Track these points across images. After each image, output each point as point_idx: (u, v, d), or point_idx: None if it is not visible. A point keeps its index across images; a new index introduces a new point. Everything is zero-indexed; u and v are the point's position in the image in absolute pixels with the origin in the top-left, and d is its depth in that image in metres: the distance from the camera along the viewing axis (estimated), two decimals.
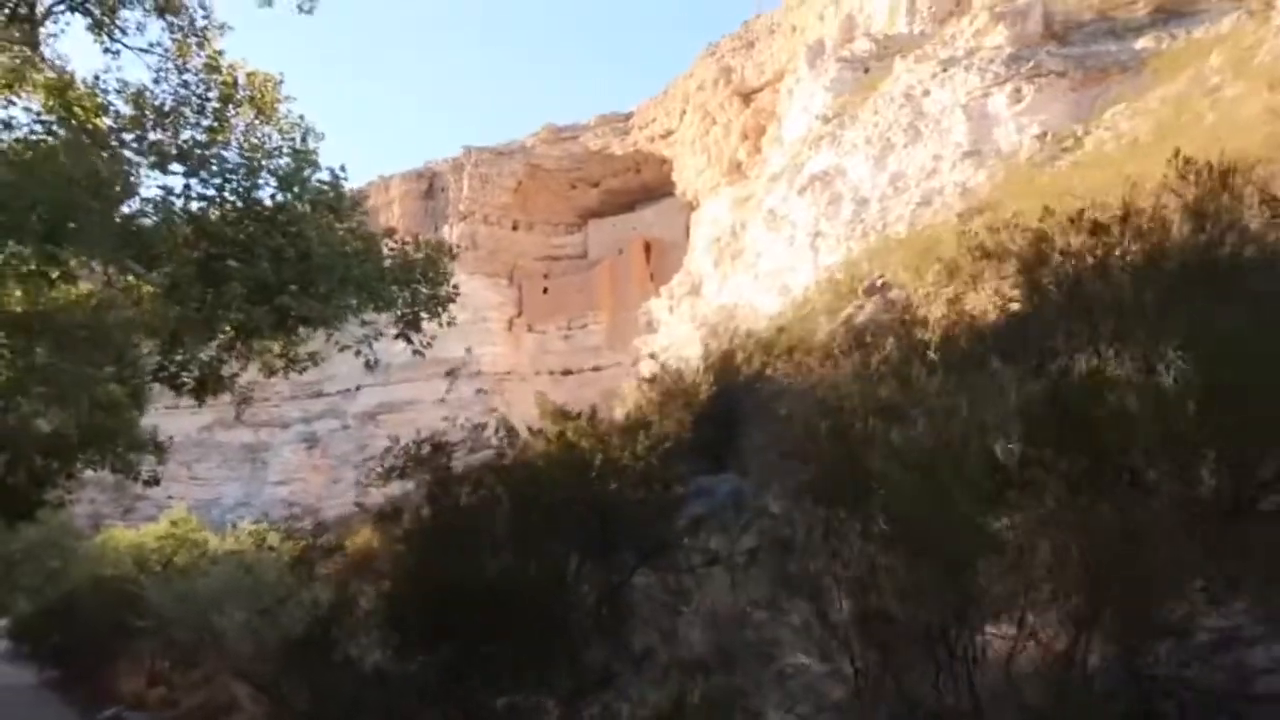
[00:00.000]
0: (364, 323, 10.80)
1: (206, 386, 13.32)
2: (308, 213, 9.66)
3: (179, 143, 10.66)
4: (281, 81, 11.26)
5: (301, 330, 10.73)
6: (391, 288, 10.49)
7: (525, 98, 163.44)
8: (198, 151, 10.48)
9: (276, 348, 13.74)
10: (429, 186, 56.05)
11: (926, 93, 25.78)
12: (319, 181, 10.00)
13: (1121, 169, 12.77)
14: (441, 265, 11.13)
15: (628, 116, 52.21)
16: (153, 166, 10.53)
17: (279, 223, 9.48)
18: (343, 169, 10.11)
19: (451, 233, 53.58)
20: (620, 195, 53.96)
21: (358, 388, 51.94)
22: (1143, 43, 23.80)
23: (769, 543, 6.43)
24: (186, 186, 9.73)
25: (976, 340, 8.21)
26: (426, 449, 7.23)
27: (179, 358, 12.64)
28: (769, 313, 27.45)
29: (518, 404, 51.44)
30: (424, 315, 11.09)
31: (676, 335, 36.22)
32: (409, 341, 11.27)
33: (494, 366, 52.17)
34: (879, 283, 14.77)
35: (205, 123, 10.76)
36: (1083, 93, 23.51)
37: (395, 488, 8.98)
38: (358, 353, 11.00)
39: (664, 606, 6.30)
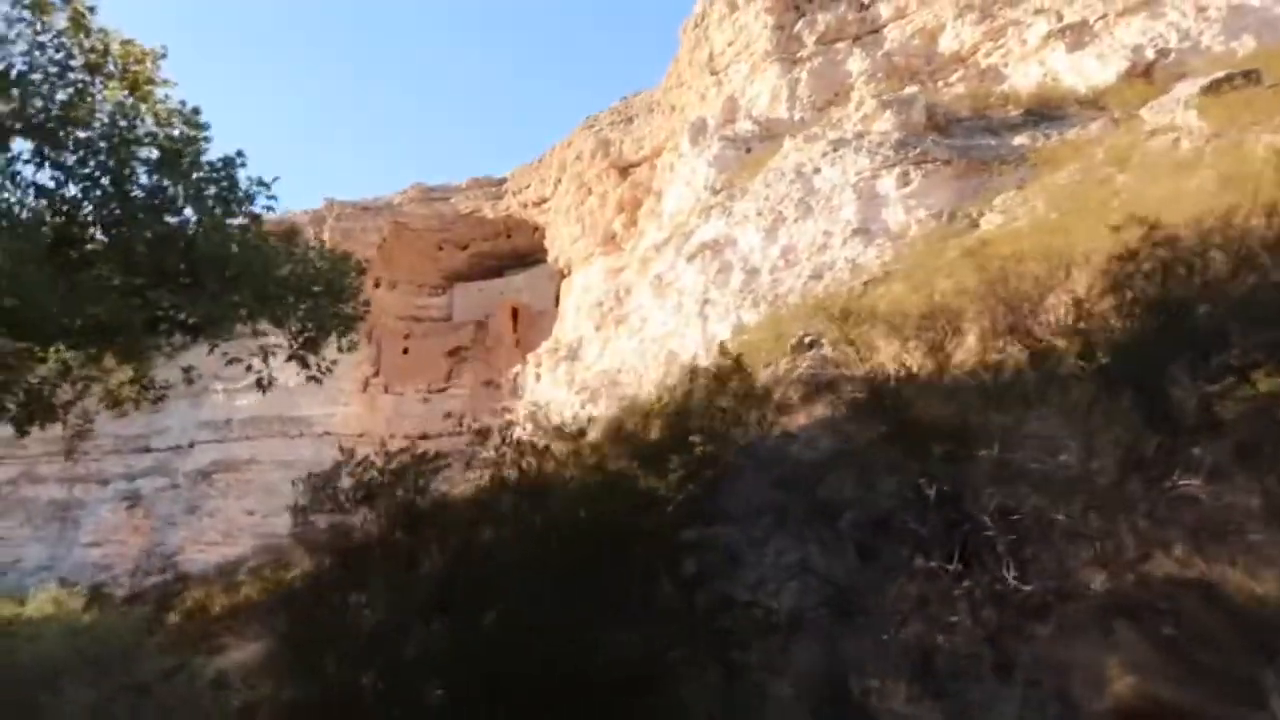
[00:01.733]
0: (256, 333, 8.92)
1: (33, 415, 10.95)
2: (192, 197, 7.85)
3: (26, 114, 8.62)
4: (163, 56, 9.38)
5: (177, 337, 8.75)
6: (289, 297, 8.69)
7: (394, 156, 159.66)
8: (49, 125, 8.48)
9: (125, 373, 11.53)
10: (286, 236, 52.80)
11: (817, 170, 25.78)
12: (207, 164, 8.21)
13: (1041, 240, 12.51)
14: (349, 278, 9.41)
15: (501, 181, 51.09)
16: None
17: (156, 207, 7.63)
18: (240, 154, 8.35)
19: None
20: (489, 259, 52.44)
21: (191, 444, 47.55)
22: (1019, 139, 24.58)
23: (820, 602, 5.13)
24: (37, 153, 7.73)
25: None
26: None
27: None
28: (653, 378, 26.42)
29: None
30: (324, 334, 9.31)
31: (550, 400, 34.63)
32: (304, 365, 9.44)
33: (345, 427, 48.79)
34: (807, 340, 13.93)
35: (62, 95, 8.76)
36: (966, 180, 23.95)
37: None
38: (248, 367, 9.07)
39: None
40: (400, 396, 50.38)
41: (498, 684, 5.00)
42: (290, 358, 9.44)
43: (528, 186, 49.85)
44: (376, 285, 52.09)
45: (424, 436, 50.15)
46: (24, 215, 7.35)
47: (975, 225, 20.19)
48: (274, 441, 47.23)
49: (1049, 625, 4.26)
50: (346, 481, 10.60)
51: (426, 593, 6.09)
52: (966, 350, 7.93)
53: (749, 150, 31.98)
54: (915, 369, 8.06)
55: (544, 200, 48.89)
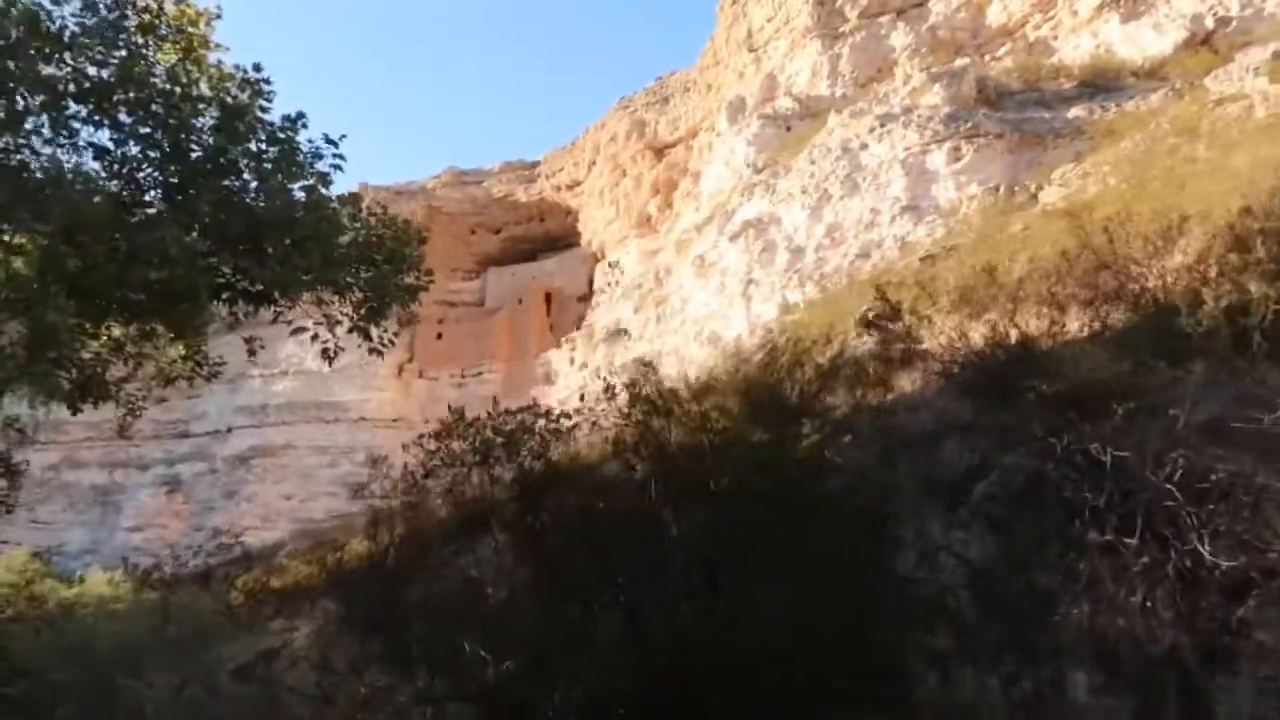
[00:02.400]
0: (321, 301, 8.52)
1: (86, 393, 10.64)
2: (253, 160, 7.43)
3: (80, 78, 8.25)
4: (218, 17, 8.96)
5: (239, 305, 8.37)
6: (353, 265, 8.27)
7: (428, 140, 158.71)
8: (103, 88, 8.08)
9: (177, 349, 11.20)
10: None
11: (864, 146, 25.09)
12: (269, 125, 7.79)
13: (1134, 206, 11.88)
14: (411, 247, 8.98)
15: (534, 164, 50.63)
16: (44, 107, 8.09)
17: (218, 169, 7.23)
18: (301, 116, 7.91)
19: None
20: (522, 243, 52.05)
21: (229, 429, 47.64)
22: (1074, 112, 23.74)
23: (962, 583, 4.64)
24: (95, 112, 7.34)
25: None
26: None
27: (52, 355, 9.99)
28: (696, 359, 25.92)
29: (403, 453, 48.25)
30: (387, 304, 8.90)
31: (594, 387, 34.24)
32: (367, 337, 9.04)
33: (380, 413, 48.76)
34: (872, 315, 13.39)
35: (116, 57, 8.35)
36: (1019, 155, 23.19)
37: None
38: (314, 337, 8.67)
39: None
40: (434, 381, 50.21)
41: (693, 681, 4.43)
42: (352, 329, 9.06)
43: (561, 169, 49.37)
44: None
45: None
46: (81, 176, 6.97)
47: (1034, 199, 19.49)
48: (310, 427, 47.25)
49: (1252, 606, 3.75)
50: (402, 463, 10.19)
51: (597, 571, 5.55)
52: (1075, 316, 7.39)
53: (789, 128, 31.27)
54: (1017, 337, 7.51)
55: (577, 183, 48.40)
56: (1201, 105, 20.18)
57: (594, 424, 8.92)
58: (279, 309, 8.54)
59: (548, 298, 50.36)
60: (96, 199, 6.92)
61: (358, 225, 8.37)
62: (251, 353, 9.83)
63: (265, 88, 7.55)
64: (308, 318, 9.05)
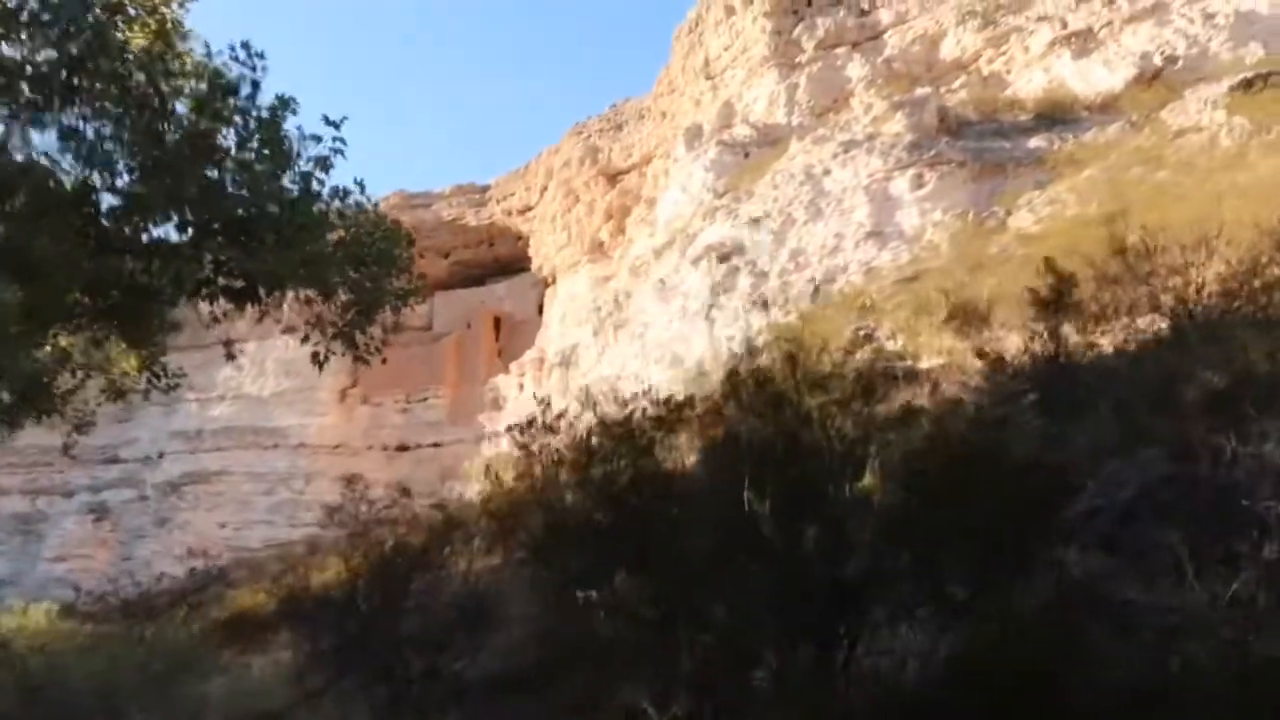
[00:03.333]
0: (310, 301, 7.78)
1: (30, 403, 9.74)
2: (240, 146, 6.72)
3: (36, 61, 7.48)
4: None
5: (219, 303, 7.58)
6: (343, 264, 7.57)
7: (376, 162, 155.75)
8: (69, 66, 7.33)
9: (130, 361, 10.33)
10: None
11: (827, 172, 25.06)
12: (254, 109, 7.08)
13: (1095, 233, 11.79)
14: (402, 249, 8.31)
15: (485, 188, 49.94)
16: (2, 90, 7.31)
17: (199, 151, 6.50)
18: (290, 100, 7.21)
19: (284, 295, 48.84)
20: (471, 268, 51.17)
21: (161, 454, 45.63)
22: (1034, 142, 24.04)
23: None
24: (57, 95, 6.57)
25: None
26: None
27: None
28: (658, 383, 25.42)
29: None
30: (376, 308, 8.21)
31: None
32: (352, 345, 8.32)
33: (321, 439, 47.18)
34: (863, 333, 13.08)
35: (81, 36, 7.59)
36: (981, 183, 23.34)
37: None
38: (305, 339, 7.92)
39: None
40: (378, 407, 48.81)
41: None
42: (336, 335, 8.35)
43: (512, 194, 48.74)
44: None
45: (403, 447, 48.73)
46: (44, 159, 6.21)
47: (1003, 225, 19.54)
48: (247, 453, 45.51)
49: None
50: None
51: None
52: (1119, 325, 7.08)
53: (747, 155, 31.20)
54: (1054, 349, 7.17)
55: (529, 208, 47.80)
56: (1162, 137, 20.50)
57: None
58: (264, 307, 7.80)
59: (497, 323, 49.50)
60: (62, 181, 6.15)
61: (346, 221, 7.69)
62: (230, 356, 9.04)
63: (257, 63, 6.85)
64: (293, 319, 8.31)
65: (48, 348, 9.74)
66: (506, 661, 6.49)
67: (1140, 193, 16.37)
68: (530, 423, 8.43)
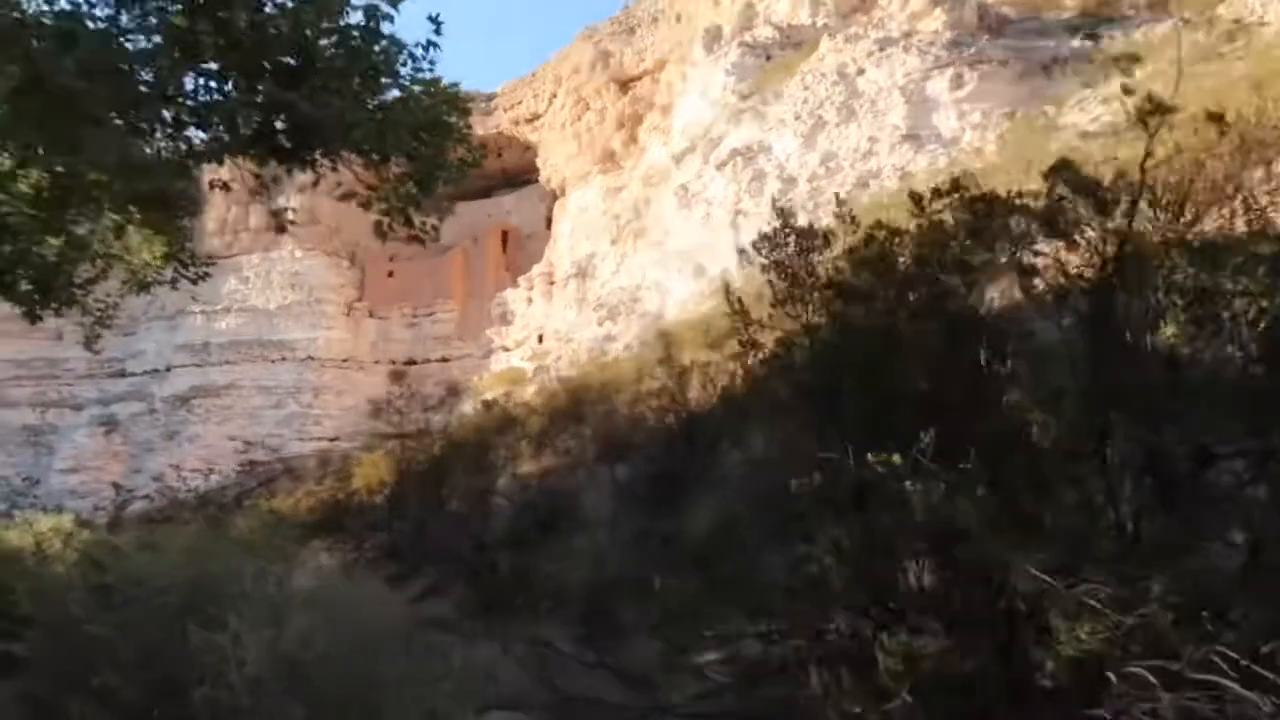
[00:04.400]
0: (374, 164, 6.90)
1: (49, 295, 8.95)
2: None
3: None
4: None
5: (270, 166, 6.72)
6: (400, 131, 6.68)
7: None
8: None
9: (156, 248, 9.48)
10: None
11: (861, 71, 23.80)
12: None
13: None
14: (459, 117, 7.40)
15: (491, 96, 48.16)
16: None
17: None
18: None
19: (288, 204, 47.53)
20: (477, 179, 49.50)
21: (169, 368, 44.95)
22: (1078, 41, 22.77)
23: None
24: None
25: None
26: None
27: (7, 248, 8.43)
28: (681, 294, 24.65)
29: (353, 393, 46.11)
30: (435, 180, 7.35)
31: (560, 322, 32.76)
32: (408, 222, 7.47)
33: (329, 352, 46.46)
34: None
35: None
36: (1023, 84, 22.18)
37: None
38: (367, 205, 7.07)
39: None
40: (385, 321, 48.04)
41: None
42: (388, 211, 7.49)
43: (519, 102, 47.05)
44: (361, 205, 49.32)
45: (410, 362, 48.10)
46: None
47: (1054, 125, 18.47)
48: (254, 366, 44.85)
49: None
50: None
51: None
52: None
53: (769, 58, 29.75)
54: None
55: (537, 117, 46.20)
56: (1223, 32, 19.31)
57: None
58: (320, 168, 6.93)
59: (504, 236, 48.43)
60: (85, 26, 5.23)
61: (400, 81, 6.76)
62: (281, 229, 8.22)
63: None
64: (352, 184, 7.44)
65: (63, 235, 8.89)
66: (598, 567, 5.86)
67: (1213, 86, 15.30)
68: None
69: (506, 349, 44.18)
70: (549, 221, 46.87)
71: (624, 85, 41.24)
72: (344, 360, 46.69)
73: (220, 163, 6.26)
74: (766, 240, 6.58)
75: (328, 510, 8.72)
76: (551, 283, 42.49)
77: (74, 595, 3.76)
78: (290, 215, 8.36)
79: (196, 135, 6.27)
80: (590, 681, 4.44)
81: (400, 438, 9.23)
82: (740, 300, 6.74)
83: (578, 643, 4.86)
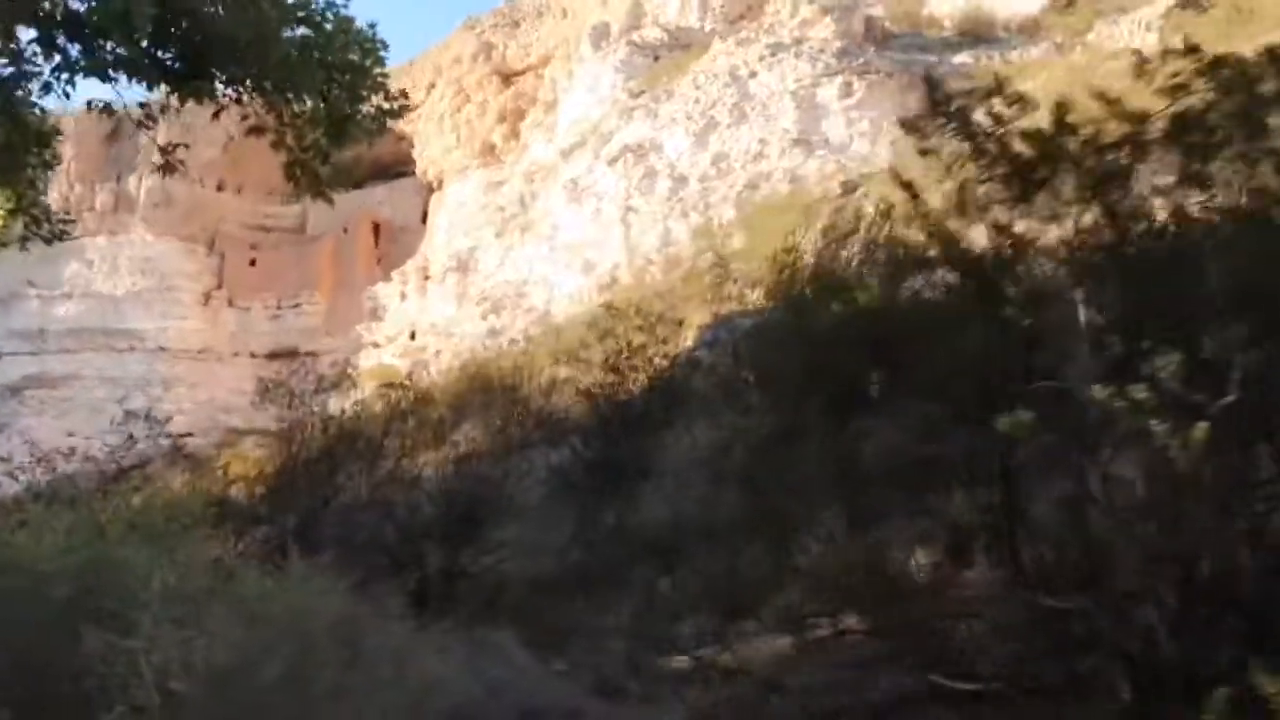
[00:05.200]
0: (281, 103, 5.99)
1: None
2: None
3: None
4: None
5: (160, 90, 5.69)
6: (312, 67, 5.81)
7: None
8: None
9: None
10: (114, 129, 45.93)
11: (753, 74, 23.81)
12: None
13: None
14: (375, 63, 6.58)
15: None
16: None
17: None
18: None
19: (140, 186, 44.22)
20: (347, 168, 47.53)
21: None
22: (959, 58, 23.46)
23: None
24: None
25: None
26: None
27: None
28: (569, 289, 24.02)
29: (208, 386, 43.23)
30: (347, 129, 6.49)
31: (434, 317, 31.51)
32: (316, 182, 6.57)
33: (184, 343, 43.39)
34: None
35: None
36: (908, 94, 22.61)
37: None
38: (277, 144, 6.14)
39: None
40: (246, 312, 45.24)
41: None
42: (295, 162, 6.56)
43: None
44: (220, 189, 46.47)
45: (273, 355, 45.32)
46: None
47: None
48: (99, 355, 41.42)
49: None
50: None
51: None
52: None
53: (657, 58, 29.55)
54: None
55: (414, 106, 44.54)
56: (1093, 57, 20.19)
57: None
58: (220, 99, 5.98)
59: (376, 228, 46.40)
60: None
61: (308, 16, 5.86)
62: (168, 167, 7.07)
63: None
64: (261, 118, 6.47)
65: None
66: (537, 560, 5.20)
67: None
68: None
69: (377, 345, 42.23)
70: (424, 216, 45.27)
71: (506, 79, 40.27)
72: (200, 351, 43.66)
73: (105, 80, 5.25)
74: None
75: (208, 501, 7.67)
76: (426, 278, 40.99)
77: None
78: (174, 161, 7.17)
79: (72, 47, 5.23)
80: (553, 690, 3.80)
81: (281, 429, 8.25)
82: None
83: (527, 646, 4.23)
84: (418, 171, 44.92)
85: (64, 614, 2.64)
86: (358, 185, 48.19)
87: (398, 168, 46.66)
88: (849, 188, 17.10)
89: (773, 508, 4.10)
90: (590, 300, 20.98)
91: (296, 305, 45.34)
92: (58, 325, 41.47)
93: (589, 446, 6.04)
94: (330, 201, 7.25)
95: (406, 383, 10.17)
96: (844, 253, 7.21)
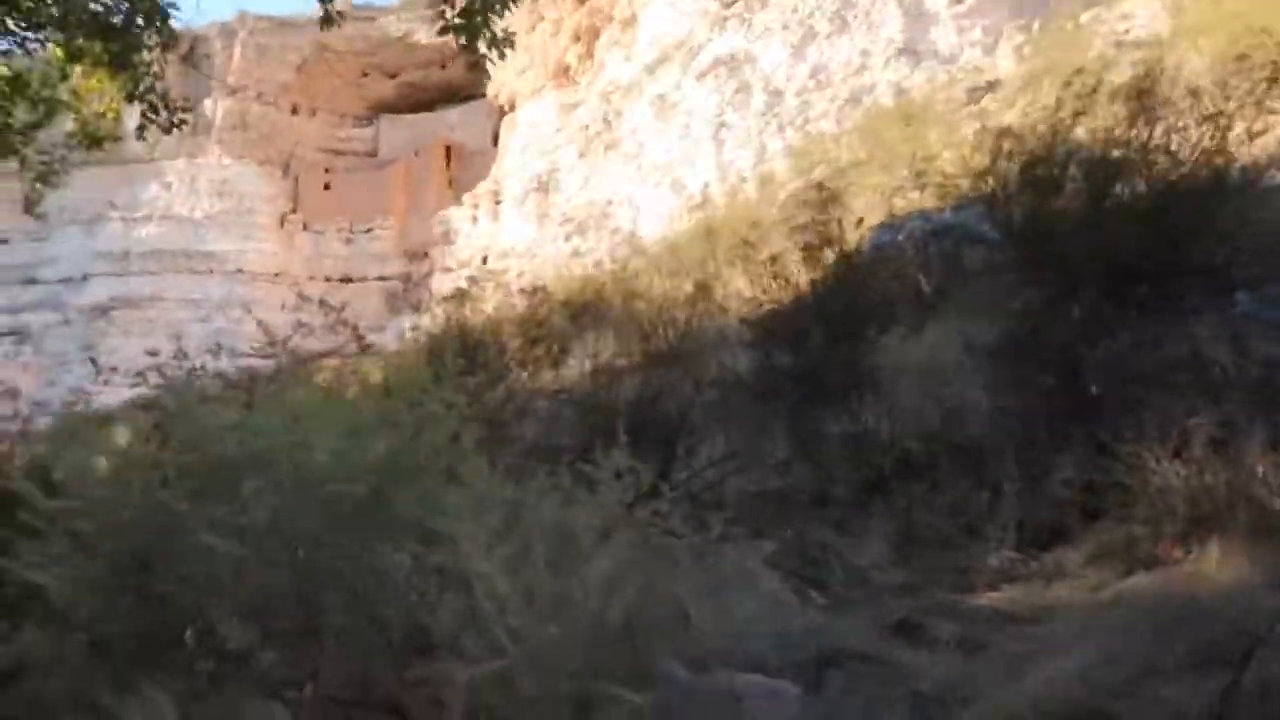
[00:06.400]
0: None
1: None
2: None
3: None
4: None
5: None
6: None
7: None
8: None
9: (107, 94, 7.64)
10: (189, 51, 45.48)
11: None
12: None
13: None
14: None
15: (439, 2, 44.87)
16: None
17: None
18: None
19: (216, 109, 43.87)
20: (420, 91, 46.70)
21: (85, 276, 41.47)
22: None
23: None
24: None
25: None
26: None
27: None
28: (658, 209, 23.05)
29: (287, 310, 43.45)
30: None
31: (520, 238, 30.79)
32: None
33: (260, 266, 43.49)
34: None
35: None
36: (1025, 1, 20.94)
37: None
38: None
39: None
40: (320, 235, 45.09)
41: None
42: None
43: None
44: (294, 112, 46.01)
45: (346, 280, 45.25)
46: None
47: (1085, 36, 17.26)
48: (180, 278, 41.71)
49: None
50: None
51: None
52: None
53: None
54: None
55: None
56: None
57: None
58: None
59: (448, 151, 45.64)
60: None
61: None
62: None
63: None
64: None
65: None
66: (755, 476, 4.46)
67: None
68: None
69: (449, 269, 41.87)
70: (495, 139, 44.33)
71: None
72: (276, 274, 43.71)
73: None
74: None
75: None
76: (498, 201, 40.30)
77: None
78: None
79: None
80: (839, 629, 3.07)
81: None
82: None
83: (772, 570, 3.49)
84: (489, 94, 43.85)
85: (349, 524, 1.96)
86: (429, 107, 47.50)
87: (471, 90, 45.64)
88: (975, 96, 15.75)
89: (1091, 406, 3.28)
90: (681, 220, 20.03)
91: (369, 230, 45.04)
92: (140, 247, 41.74)
93: (786, 351, 5.24)
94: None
95: (547, 289, 9.41)
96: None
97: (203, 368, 4.47)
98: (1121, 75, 8.65)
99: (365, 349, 6.85)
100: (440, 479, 2.11)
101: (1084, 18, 18.43)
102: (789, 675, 3.03)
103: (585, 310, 10.01)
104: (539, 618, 1.88)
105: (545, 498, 2.56)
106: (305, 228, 45.00)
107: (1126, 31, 15.73)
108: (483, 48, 6.36)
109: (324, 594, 1.96)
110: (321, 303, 12.26)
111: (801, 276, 6.98)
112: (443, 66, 45.85)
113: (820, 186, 9.87)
